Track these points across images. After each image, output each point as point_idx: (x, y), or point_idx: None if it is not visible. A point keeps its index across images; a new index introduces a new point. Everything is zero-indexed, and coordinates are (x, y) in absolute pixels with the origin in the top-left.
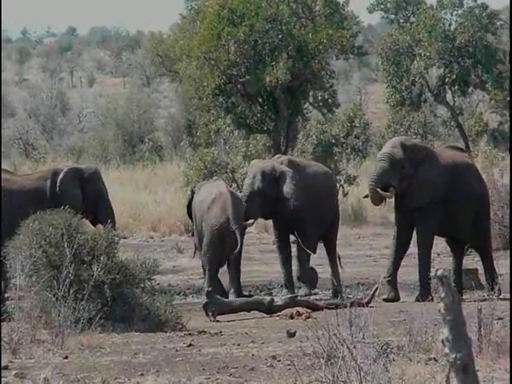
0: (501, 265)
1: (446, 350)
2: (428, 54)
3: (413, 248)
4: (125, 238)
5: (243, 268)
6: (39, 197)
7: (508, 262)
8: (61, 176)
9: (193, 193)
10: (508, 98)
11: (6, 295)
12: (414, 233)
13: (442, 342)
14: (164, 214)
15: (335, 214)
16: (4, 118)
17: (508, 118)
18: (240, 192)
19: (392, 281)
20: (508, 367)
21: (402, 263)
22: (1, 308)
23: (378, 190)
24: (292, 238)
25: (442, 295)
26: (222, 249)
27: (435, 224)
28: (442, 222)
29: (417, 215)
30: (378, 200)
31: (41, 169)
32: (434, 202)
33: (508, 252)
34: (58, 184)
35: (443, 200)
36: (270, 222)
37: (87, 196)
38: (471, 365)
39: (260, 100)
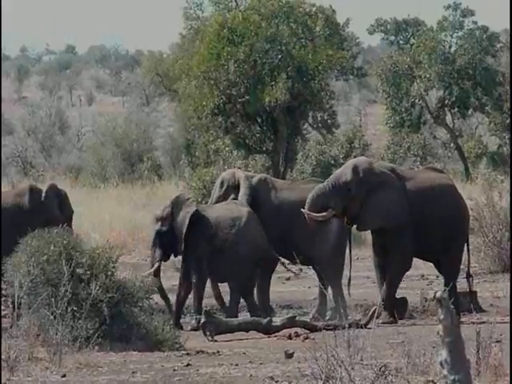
0: (499, 288)
1: (445, 372)
2: (428, 75)
3: (410, 271)
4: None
5: None
6: (17, 214)
7: (506, 284)
8: (46, 189)
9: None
10: (507, 121)
11: (4, 313)
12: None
13: (441, 363)
14: None
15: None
16: (2, 136)
17: (507, 141)
18: None
19: (388, 305)
20: None
21: (400, 285)
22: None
23: (308, 212)
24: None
25: (441, 317)
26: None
27: (407, 247)
28: (415, 244)
29: (388, 238)
30: (313, 222)
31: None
32: (404, 224)
33: (506, 275)
34: (43, 198)
35: (414, 222)
36: None
37: (63, 215)
38: None
39: (259, 120)
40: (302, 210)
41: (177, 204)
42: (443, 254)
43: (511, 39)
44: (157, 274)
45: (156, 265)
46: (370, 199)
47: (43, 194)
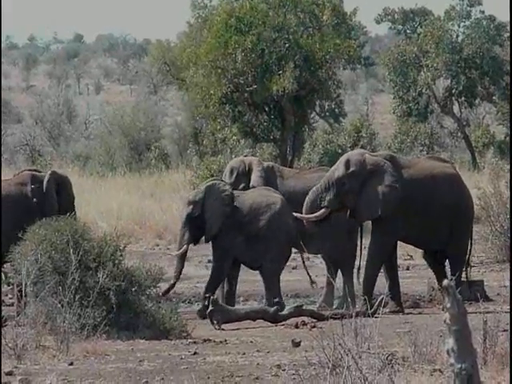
0: (506, 277)
1: (451, 360)
2: (435, 65)
3: (417, 260)
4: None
5: (251, 277)
6: (23, 202)
7: None
8: (47, 179)
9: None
10: None
11: (11, 301)
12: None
13: (448, 352)
14: (170, 222)
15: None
16: (10, 124)
17: None
18: None
19: (394, 296)
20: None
21: (408, 274)
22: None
23: (301, 215)
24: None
25: (448, 305)
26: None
27: (391, 236)
28: (415, 233)
29: (380, 223)
30: (310, 223)
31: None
32: (392, 213)
33: None
34: (45, 187)
35: (414, 210)
36: None
37: (62, 202)
38: (476, 375)
39: (266, 109)
40: (294, 214)
41: (211, 190)
42: (448, 243)
43: (511, 32)
44: (182, 257)
45: (184, 247)
46: (364, 190)
47: (45, 186)
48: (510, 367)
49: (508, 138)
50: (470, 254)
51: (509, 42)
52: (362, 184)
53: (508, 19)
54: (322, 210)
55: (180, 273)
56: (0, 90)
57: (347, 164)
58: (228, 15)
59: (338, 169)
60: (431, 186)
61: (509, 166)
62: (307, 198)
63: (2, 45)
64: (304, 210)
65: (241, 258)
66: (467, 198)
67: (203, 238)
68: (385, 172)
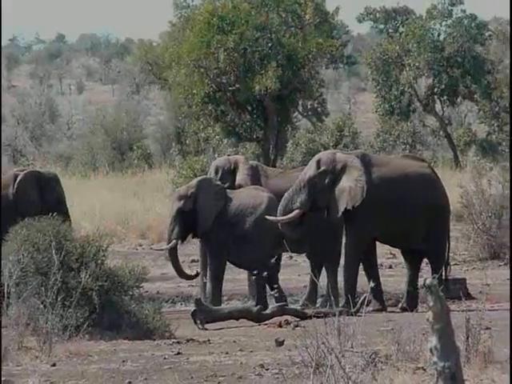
0: (488, 275)
1: (434, 359)
2: (417, 64)
3: (400, 258)
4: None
5: (234, 276)
6: (6, 203)
7: (495, 272)
8: (19, 178)
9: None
10: (496, 109)
11: None
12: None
13: (431, 350)
14: (153, 222)
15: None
16: None
17: (496, 129)
18: None
19: (377, 294)
20: (494, 377)
21: (391, 272)
22: None
23: (274, 218)
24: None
25: (431, 304)
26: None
27: (363, 234)
28: (389, 232)
29: (346, 225)
30: (284, 226)
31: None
32: (364, 210)
33: (495, 262)
34: (15, 187)
35: (380, 210)
36: None
37: (45, 201)
38: (459, 373)
39: (249, 108)
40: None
41: (203, 184)
42: (425, 242)
43: (511, 28)
44: (173, 252)
45: (173, 242)
46: (335, 187)
47: (15, 185)
48: (510, 367)
49: (489, 137)
50: (448, 253)
51: (491, 41)
52: (333, 182)
53: (489, 18)
54: (295, 212)
55: (180, 269)
56: (0, 90)
57: (318, 163)
58: (210, 15)
59: (309, 168)
60: (404, 185)
61: (490, 164)
62: (280, 204)
63: None
64: (278, 215)
65: (229, 257)
66: (442, 196)
67: (189, 236)
68: (351, 167)
